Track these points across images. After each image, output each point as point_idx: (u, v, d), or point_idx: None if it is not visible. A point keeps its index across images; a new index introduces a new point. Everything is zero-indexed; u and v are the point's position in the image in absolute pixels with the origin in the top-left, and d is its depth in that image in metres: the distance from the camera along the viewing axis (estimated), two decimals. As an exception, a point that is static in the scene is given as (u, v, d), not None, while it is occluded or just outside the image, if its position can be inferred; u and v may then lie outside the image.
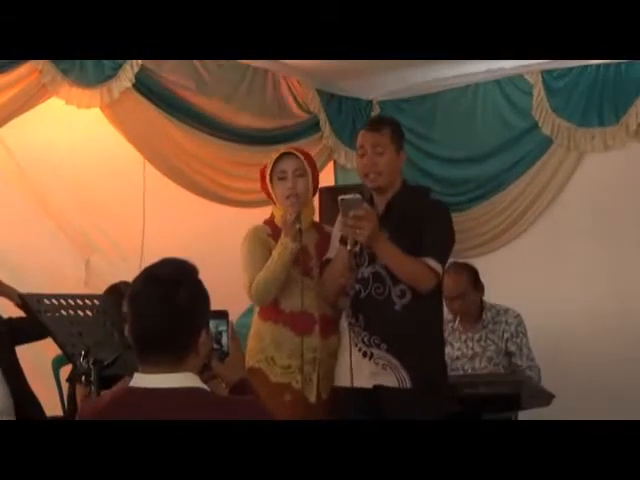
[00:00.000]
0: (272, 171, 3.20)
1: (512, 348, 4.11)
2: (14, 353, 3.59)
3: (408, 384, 2.97)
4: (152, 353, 1.86)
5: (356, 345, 3.02)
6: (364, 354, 3.02)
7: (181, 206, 4.86)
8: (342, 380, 3.07)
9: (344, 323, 3.12)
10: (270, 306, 3.18)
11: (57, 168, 4.40)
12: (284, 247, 3.08)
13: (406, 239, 2.98)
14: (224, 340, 2.13)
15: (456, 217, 5.09)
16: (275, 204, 3.24)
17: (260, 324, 3.22)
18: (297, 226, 3.06)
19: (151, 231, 4.64)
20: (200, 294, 1.92)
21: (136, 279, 1.90)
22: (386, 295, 3.01)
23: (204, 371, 2.14)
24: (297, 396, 3.10)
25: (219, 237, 4.87)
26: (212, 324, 2.08)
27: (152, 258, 1.87)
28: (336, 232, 3.12)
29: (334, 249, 3.09)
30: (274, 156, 3.23)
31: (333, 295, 3.13)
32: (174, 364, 1.85)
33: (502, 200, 5.44)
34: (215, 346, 2.10)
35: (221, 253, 4.71)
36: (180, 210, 4.86)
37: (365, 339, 3.02)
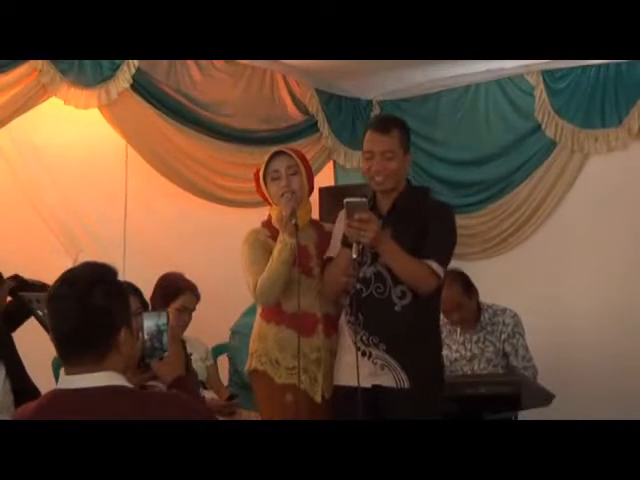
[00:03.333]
0: (265, 172, 3.18)
1: (508, 349, 4.10)
2: (12, 340, 3.56)
3: (406, 385, 2.96)
4: (73, 353, 1.88)
5: (355, 344, 3.01)
6: (363, 353, 3.00)
7: (162, 206, 4.86)
8: (341, 379, 3.07)
9: (342, 321, 3.12)
10: (272, 307, 3.17)
11: (47, 168, 4.39)
12: (283, 244, 3.06)
13: (409, 239, 2.97)
14: (164, 339, 2.16)
15: (464, 220, 5.13)
16: (271, 205, 3.22)
17: (263, 326, 3.20)
18: (292, 221, 3.04)
19: (133, 230, 4.65)
20: (117, 294, 1.93)
21: (54, 282, 1.92)
22: (386, 295, 3.01)
23: (144, 372, 2.20)
24: (302, 396, 3.08)
25: (202, 236, 4.88)
26: (153, 323, 2.14)
27: (134, 257, 1.86)
28: (337, 231, 3.11)
29: (335, 248, 3.08)
30: (266, 157, 3.21)
31: (334, 293, 3.12)
32: (95, 363, 1.87)
33: (511, 202, 5.43)
34: (156, 345, 2.14)
35: (210, 252, 4.73)
36: (161, 210, 4.86)
37: (364, 338, 3.01)
